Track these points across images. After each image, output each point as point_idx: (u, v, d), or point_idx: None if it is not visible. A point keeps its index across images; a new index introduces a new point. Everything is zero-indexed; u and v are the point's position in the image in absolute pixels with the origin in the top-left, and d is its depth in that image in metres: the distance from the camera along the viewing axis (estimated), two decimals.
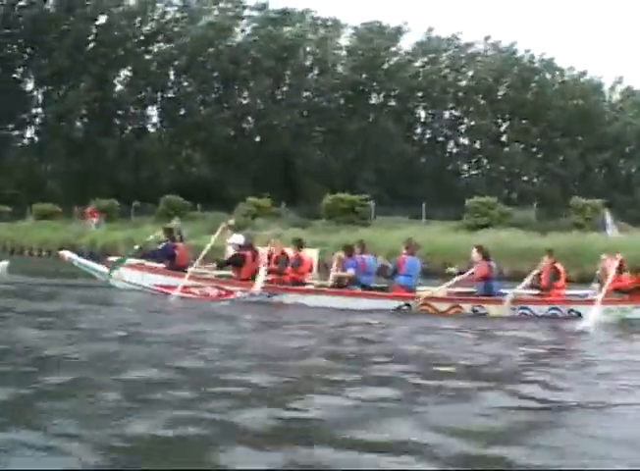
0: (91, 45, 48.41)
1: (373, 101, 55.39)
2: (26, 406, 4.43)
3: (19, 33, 47.42)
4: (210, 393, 4.92)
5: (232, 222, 18.62)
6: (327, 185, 48.71)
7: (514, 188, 55.47)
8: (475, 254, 11.96)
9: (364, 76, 53.43)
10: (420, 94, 55.49)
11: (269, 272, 12.04)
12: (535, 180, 56.15)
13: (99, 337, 7.59)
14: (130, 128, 51.21)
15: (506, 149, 55.36)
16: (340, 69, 54.05)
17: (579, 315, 10.85)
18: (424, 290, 11.76)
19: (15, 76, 49.14)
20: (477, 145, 56.09)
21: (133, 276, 13.06)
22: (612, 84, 59.11)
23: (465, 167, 57.84)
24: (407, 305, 11.43)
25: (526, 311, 11.32)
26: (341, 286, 12.04)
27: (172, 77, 50.68)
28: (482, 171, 56.57)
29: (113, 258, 14.43)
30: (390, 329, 9.56)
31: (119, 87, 50.24)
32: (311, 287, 12.27)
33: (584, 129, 53.90)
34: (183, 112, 50.21)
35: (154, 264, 13.28)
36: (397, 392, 5.17)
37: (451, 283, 11.68)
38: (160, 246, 13.39)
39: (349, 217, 29.47)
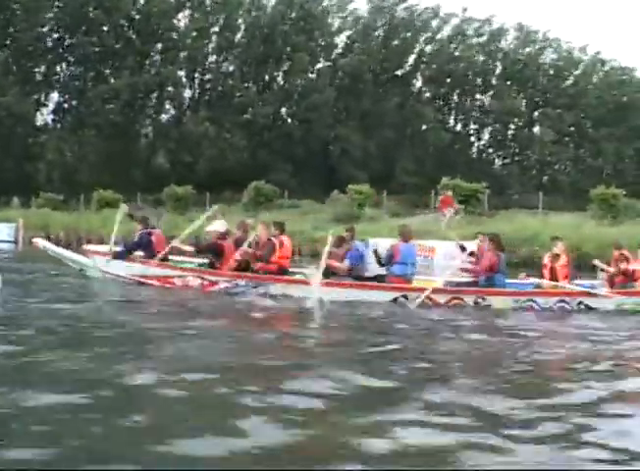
0: (130, 25, 45.54)
1: (407, 84, 53.66)
2: None
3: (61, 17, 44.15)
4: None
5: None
6: (365, 171, 46.86)
7: (544, 177, 54.88)
8: (487, 243, 11.29)
9: (396, 56, 51.73)
10: (450, 79, 54.17)
11: (256, 259, 11.35)
12: (566, 168, 55.44)
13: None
14: (167, 110, 48.50)
15: (538, 136, 54.46)
16: (372, 48, 52.04)
17: (588, 308, 10.53)
18: (422, 280, 11.21)
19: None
20: (509, 132, 55.00)
21: (109, 265, 12.30)
22: None
23: (499, 154, 56.81)
24: (404, 297, 10.68)
25: (532, 303, 10.72)
26: (329, 274, 11.09)
27: (210, 57, 47.97)
28: (513, 158, 55.54)
29: (90, 247, 13.98)
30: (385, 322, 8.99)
31: (157, 69, 47.17)
32: (298, 276, 11.51)
33: (619, 119, 53.23)
34: (220, 93, 47.42)
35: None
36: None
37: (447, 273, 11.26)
38: (136, 237, 12.54)
39: (466, 207, 27.65)
